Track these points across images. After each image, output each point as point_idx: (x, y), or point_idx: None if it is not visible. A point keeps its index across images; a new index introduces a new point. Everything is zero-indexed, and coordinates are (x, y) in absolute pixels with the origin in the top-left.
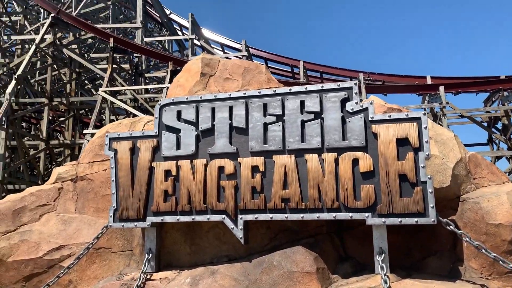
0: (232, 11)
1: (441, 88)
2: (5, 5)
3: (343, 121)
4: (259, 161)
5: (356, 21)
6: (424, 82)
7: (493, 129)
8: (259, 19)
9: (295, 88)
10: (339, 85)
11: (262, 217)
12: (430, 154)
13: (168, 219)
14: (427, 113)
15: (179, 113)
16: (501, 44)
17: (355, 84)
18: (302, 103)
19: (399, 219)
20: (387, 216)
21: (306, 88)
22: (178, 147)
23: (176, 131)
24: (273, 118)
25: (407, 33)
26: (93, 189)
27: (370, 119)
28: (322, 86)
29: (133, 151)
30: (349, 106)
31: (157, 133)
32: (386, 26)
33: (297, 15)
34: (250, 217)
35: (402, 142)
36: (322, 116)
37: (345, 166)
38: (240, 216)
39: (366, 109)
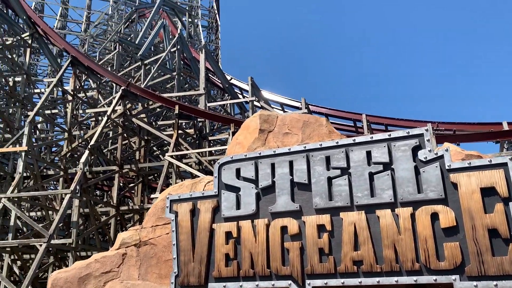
0: (289, 71)
1: None
2: (82, 82)
3: (417, 171)
4: (325, 219)
5: (421, 68)
6: (500, 128)
7: None
8: (317, 76)
9: (359, 138)
10: (409, 132)
11: (333, 282)
12: None
13: (231, 285)
14: None
15: (238, 171)
16: None
17: (426, 130)
18: (368, 153)
19: (495, 282)
20: (479, 279)
21: (372, 137)
22: (238, 207)
23: (236, 189)
24: (338, 172)
25: (475, 79)
26: (155, 254)
27: (447, 167)
28: (390, 135)
29: (194, 212)
30: (421, 155)
31: (216, 193)
32: (452, 72)
33: (355, 68)
34: (319, 282)
35: (488, 192)
36: (392, 167)
37: (423, 221)
38: (307, 281)
39: (442, 157)
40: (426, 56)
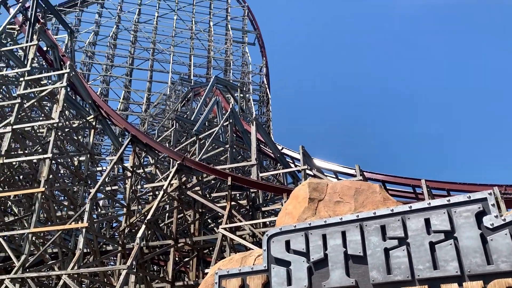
0: (343, 138)
1: None
2: (142, 159)
3: (484, 240)
4: None
5: (485, 130)
6: None
7: None
8: (372, 141)
9: (416, 205)
10: (470, 196)
11: None
12: None
13: None
14: None
15: (287, 243)
16: None
17: (490, 194)
18: (427, 221)
19: None
20: None
21: (430, 203)
22: (289, 283)
23: (286, 264)
24: (395, 242)
25: None
26: None
27: None
28: (449, 200)
29: None
30: (487, 221)
31: (266, 268)
32: None
33: (413, 131)
34: None
35: None
36: (454, 235)
37: None
38: None
39: (511, 223)
40: (491, 115)
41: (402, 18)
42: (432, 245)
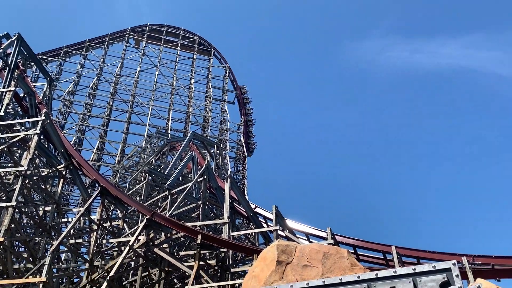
0: (316, 201)
1: None
2: (110, 212)
3: None
4: None
5: (456, 201)
6: None
7: None
8: (344, 206)
9: (382, 273)
10: (435, 266)
11: None
12: None
13: None
14: None
15: None
16: None
17: (454, 264)
18: None
19: None
20: None
21: (396, 272)
22: None
23: None
24: None
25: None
26: None
27: None
28: (414, 269)
29: None
30: None
31: None
32: (489, 204)
33: (386, 198)
34: None
35: None
36: None
37: None
38: None
39: None
40: (460, 188)
41: (381, 82)
42: None
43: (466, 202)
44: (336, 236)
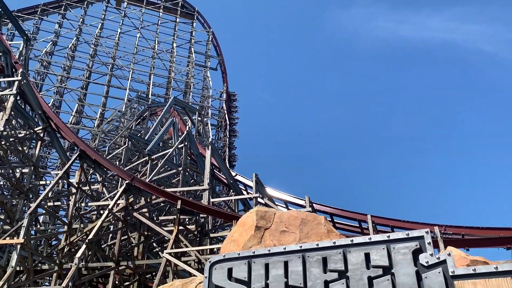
0: (296, 169)
1: None
2: (89, 176)
3: (419, 277)
4: None
5: (430, 172)
6: (510, 234)
7: None
8: (323, 175)
9: (357, 239)
10: (408, 234)
11: None
12: None
13: None
14: None
15: (230, 271)
16: None
17: (427, 232)
18: (367, 256)
19: None
20: None
21: (370, 239)
22: None
23: None
24: (335, 275)
25: (486, 182)
26: None
27: (451, 274)
28: (389, 236)
29: None
30: (423, 259)
31: None
32: (459, 176)
33: (363, 169)
34: None
35: None
36: (392, 271)
37: None
38: None
39: (444, 261)
40: (437, 159)
41: (363, 54)
42: (370, 280)
43: (439, 176)
44: (314, 204)
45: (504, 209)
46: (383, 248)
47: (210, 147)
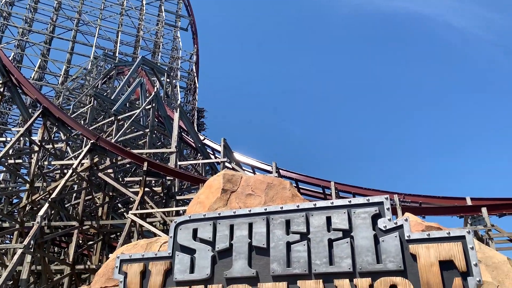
0: (263, 136)
1: (484, 210)
2: (52, 134)
3: (376, 241)
4: (281, 287)
5: (386, 142)
6: (464, 203)
7: None
8: (289, 142)
9: (320, 203)
10: (369, 199)
11: None
12: (481, 280)
13: None
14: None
15: (195, 232)
16: None
17: (386, 198)
18: (328, 219)
19: None
20: None
21: (333, 203)
22: (192, 270)
23: (191, 251)
24: (297, 237)
25: (441, 153)
26: None
27: (406, 238)
28: (350, 201)
29: (144, 274)
30: (381, 223)
31: (170, 254)
32: (419, 147)
33: (327, 138)
34: None
35: (447, 265)
36: (351, 234)
37: None
38: None
39: (401, 226)
40: (397, 130)
41: (339, 20)
42: (330, 242)
43: (400, 145)
44: (281, 170)
45: (458, 180)
46: (344, 213)
47: (178, 109)
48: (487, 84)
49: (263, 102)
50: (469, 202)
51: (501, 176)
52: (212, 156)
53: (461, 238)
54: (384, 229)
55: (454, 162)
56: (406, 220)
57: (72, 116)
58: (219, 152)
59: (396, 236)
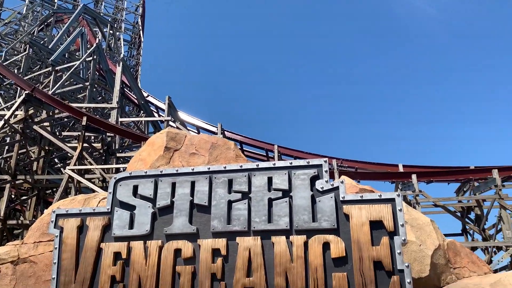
0: (209, 96)
1: (414, 176)
2: None
3: (313, 201)
4: (221, 243)
5: (328, 108)
6: (396, 170)
7: (467, 219)
8: (235, 104)
9: (262, 164)
10: (309, 162)
11: None
12: (406, 239)
13: None
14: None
15: (135, 188)
16: (470, 135)
17: (325, 161)
18: (270, 180)
19: None
20: None
21: (274, 164)
22: (131, 226)
23: (131, 208)
24: (239, 196)
25: (378, 122)
26: (34, 273)
27: (341, 199)
28: (291, 163)
29: (81, 229)
30: (319, 185)
31: (109, 210)
32: (358, 114)
33: (271, 99)
34: None
35: (376, 225)
36: (290, 194)
37: (315, 250)
38: None
39: (337, 188)
40: (335, 96)
41: None
42: (270, 201)
43: (337, 111)
44: (226, 132)
45: (391, 147)
46: (285, 174)
47: (121, 63)
48: (410, 47)
49: (212, 62)
50: (401, 169)
51: (432, 143)
52: (156, 114)
53: (391, 200)
54: (321, 190)
55: (388, 128)
56: (342, 182)
57: (4, 64)
58: (163, 110)
59: (331, 197)
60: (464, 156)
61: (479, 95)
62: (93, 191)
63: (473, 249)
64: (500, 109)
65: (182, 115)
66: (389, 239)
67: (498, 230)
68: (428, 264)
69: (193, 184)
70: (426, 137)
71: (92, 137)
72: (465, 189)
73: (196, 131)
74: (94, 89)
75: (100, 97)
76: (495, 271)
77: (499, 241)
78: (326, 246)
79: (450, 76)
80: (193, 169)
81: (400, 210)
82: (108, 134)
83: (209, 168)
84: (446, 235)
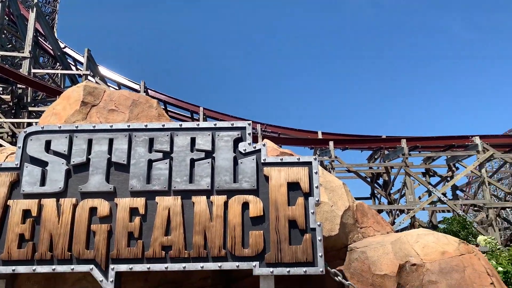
0: (132, 52)
1: (331, 143)
2: None
3: (235, 162)
4: (139, 202)
5: (253, 71)
6: (315, 136)
7: (375, 184)
8: (159, 62)
9: (186, 124)
10: (233, 124)
11: (138, 267)
12: (320, 200)
13: (22, 269)
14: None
15: (48, 144)
16: (384, 106)
17: (249, 124)
18: (193, 140)
19: (288, 269)
20: (276, 266)
21: (198, 125)
22: (43, 183)
23: (43, 164)
24: (160, 155)
25: (301, 89)
26: None
27: (262, 161)
28: (215, 124)
29: None
30: (241, 147)
31: (18, 166)
32: (282, 80)
33: (196, 61)
34: (123, 267)
35: (293, 187)
36: (213, 155)
37: (234, 210)
38: (111, 266)
39: (259, 150)
40: (267, 61)
41: None
42: (192, 161)
43: (264, 77)
44: (149, 91)
45: (312, 114)
46: (209, 135)
47: (35, 9)
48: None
49: (141, 19)
50: (320, 136)
51: (350, 112)
52: (74, 68)
53: (308, 163)
54: (243, 152)
55: (311, 96)
56: (264, 145)
57: None
58: (81, 63)
59: (253, 159)
60: (379, 126)
61: (399, 71)
62: (1, 146)
63: (380, 211)
64: (413, 84)
65: (103, 70)
66: (304, 199)
67: (402, 195)
68: (338, 223)
69: (111, 141)
70: (345, 105)
71: (1, 88)
72: (376, 157)
73: (118, 88)
74: (3, 36)
75: (10, 45)
76: (397, 231)
77: (402, 205)
78: (245, 206)
79: (373, 49)
80: (112, 125)
81: (316, 173)
82: (19, 85)
83: (129, 126)
84: (356, 198)
